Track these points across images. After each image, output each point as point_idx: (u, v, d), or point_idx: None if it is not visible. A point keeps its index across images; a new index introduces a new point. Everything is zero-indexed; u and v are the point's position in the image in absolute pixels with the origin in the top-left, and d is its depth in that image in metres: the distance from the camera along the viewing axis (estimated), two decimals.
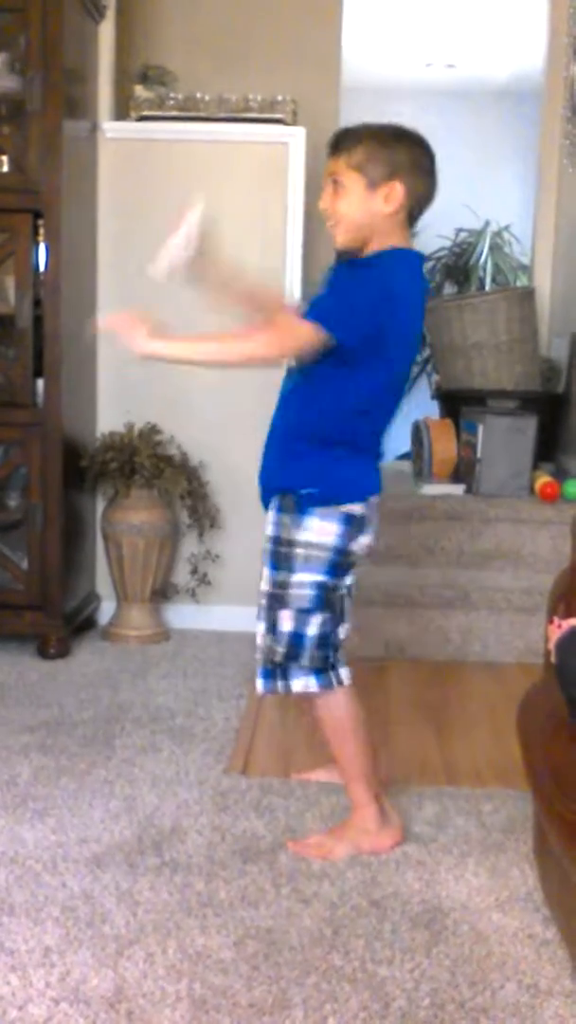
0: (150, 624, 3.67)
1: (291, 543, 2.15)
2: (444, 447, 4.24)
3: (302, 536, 2.14)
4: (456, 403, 4.52)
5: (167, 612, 3.80)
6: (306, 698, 2.25)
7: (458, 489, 4.10)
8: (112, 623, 3.69)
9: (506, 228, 7.70)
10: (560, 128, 5.00)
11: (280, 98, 3.71)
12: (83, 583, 3.70)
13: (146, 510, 3.59)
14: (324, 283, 2.20)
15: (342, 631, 2.23)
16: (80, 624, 3.64)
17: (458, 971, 1.81)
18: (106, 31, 3.72)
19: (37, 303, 3.33)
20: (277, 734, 2.91)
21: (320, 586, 2.16)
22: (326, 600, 2.17)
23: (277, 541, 2.17)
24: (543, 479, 4.06)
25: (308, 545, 2.14)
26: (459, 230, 7.76)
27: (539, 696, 2.09)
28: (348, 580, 2.23)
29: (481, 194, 7.77)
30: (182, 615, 3.81)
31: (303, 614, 2.16)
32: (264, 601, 2.19)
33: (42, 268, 3.32)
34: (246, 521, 3.78)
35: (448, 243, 7.80)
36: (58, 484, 3.37)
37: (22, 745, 2.71)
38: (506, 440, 4.08)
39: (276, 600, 2.17)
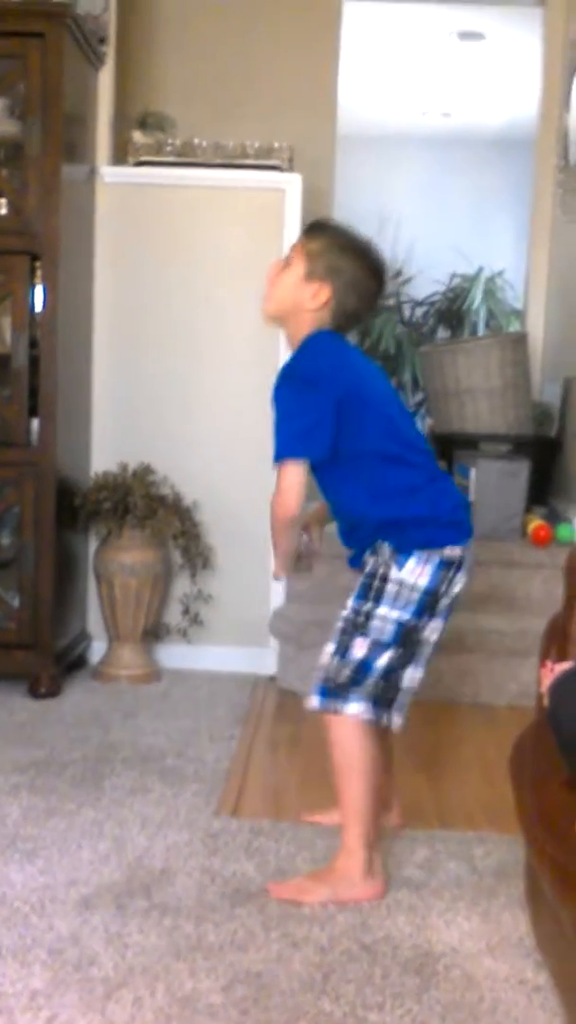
0: (141, 664, 3.66)
1: (384, 578, 2.20)
2: None
3: (396, 574, 2.19)
4: (449, 446, 4.54)
5: (159, 652, 3.79)
6: (331, 724, 2.23)
7: None
8: (103, 662, 3.68)
9: (499, 274, 7.78)
10: (552, 177, 5.06)
11: (277, 145, 3.76)
12: (74, 622, 3.70)
13: (139, 550, 3.59)
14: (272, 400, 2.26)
15: (410, 674, 2.23)
16: (71, 663, 3.63)
17: (449, 1017, 1.79)
18: (105, 77, 3.77)
19: (33, 344, 3.35)
20: (268, 776, 2.89)
21: (402, 624, 2.19)
22: (404, 638, 2.20)
23: (371, 576, 2.22)
24: (536, 522, 4.07)
25: (400, 583, 2.19)
26: (453, 275, 7.84)
27: (531, 739, 2.09)
28: (435, 624, 2.23)
29: (475, 240, 7.87)
30: (173, 655, 3.80)
31: (378, 646, 2.19)
32: (340, 624, 2.22)
33: (39, 309, 3.34)
34: (239, 562, 3.79)
35: (442, 288, 7.88)
36: (51, 523, 3.37)
37: (11, 785, 2.69)
38: (499, 483, 4.10)
39: (354, 627, 2.20)
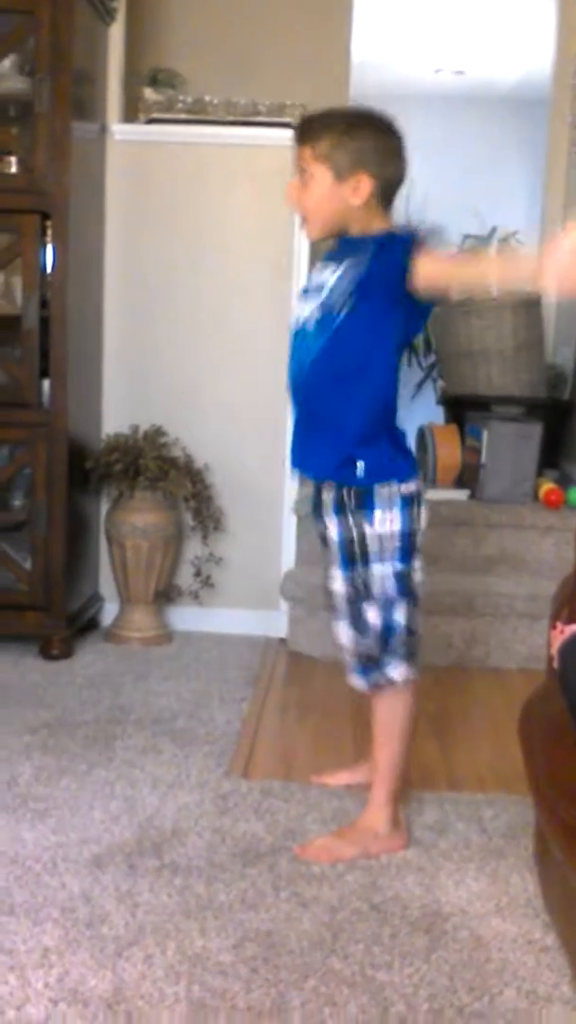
0: (153, 626, 3.67)
1: (362, 539, 2.16)
2: (449, 452, 4.24)
3: (371, 530, 2.16)
4: (461, 409, 4.51)
5: (170, 614, 3.80)
6: (386, 695, 2.23)
7: (462, 495, 4.10)
8: (115, 624, 3.69)
9: (513, 234, 7.70)
10: (567, 135, 5.00)
11: (289, 102, 3.71)
12: (86, 584, 3.70)
13: (150, 512, 3.59)
14: (346, 261, 2.13)
15: (418, 618, 2.24)
16: (83, 625, 3.64)
17: (457, 976, 1.80)
18: (116, 33, 3.72)
19: (44, 304, 3.33)
20: (278, 737, 2.91)
21: (399, 575, 2.18)
22: (407, 587, 2.19)
23: (346, 542, 2.18)
24: (547, 486, 4.06)
25: (379, 537, 2.16)
26: (466, 236, 7.76)
27: (541, 702, 2.09)
28: (419, 562, 2.22)
29: (488, 200, 7.77)
30: (185, 617, 3.81)
31: (388, 604, 2.18)
32: (343, 601, 2.20)
33: (49, 269, 3.32)
34: (250, 524, 3.79)
35: (455, 248, 7.81)
36: (63, 485, 3.37)
37: (24, 745, 2.71)
38: (511, 446, 4.08)
39: (357, 596, 2.18)
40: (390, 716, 2.25)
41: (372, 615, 2.19)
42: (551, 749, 1.88)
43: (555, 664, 1.94)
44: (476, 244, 7.69)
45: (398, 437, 2.20)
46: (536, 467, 4.12)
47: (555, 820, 1.74)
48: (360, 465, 2.14)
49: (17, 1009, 1.67)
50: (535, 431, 4.11)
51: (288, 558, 3.80)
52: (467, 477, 4.19)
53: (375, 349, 2.12)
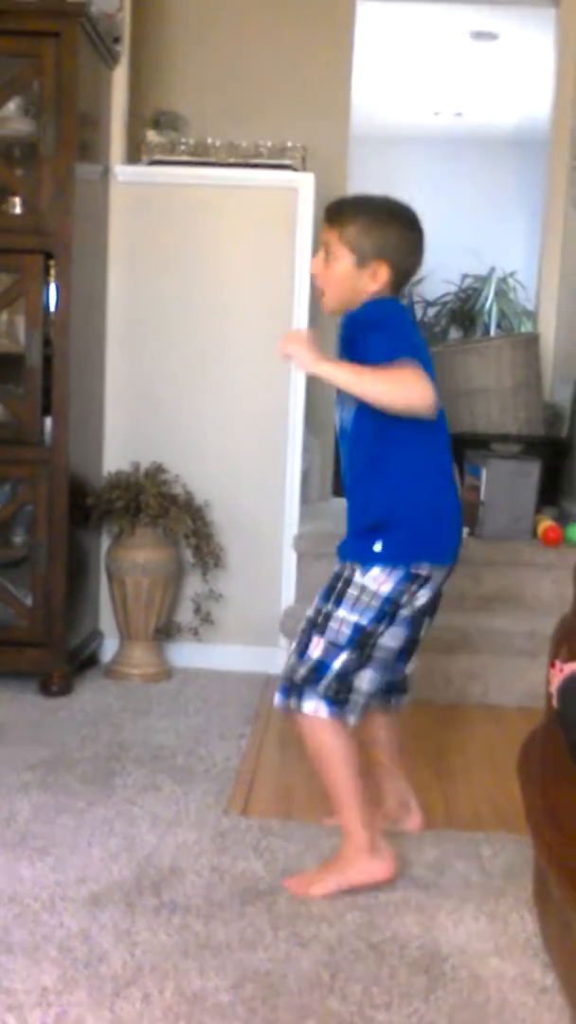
0: (153, 662, 3.67)
1: (348, 582, 2.21)
2: None
3: (359, 579, 2.20)
4: (460, 447, 4.52)
5: (170, 650, 3.80)
6: (298, 720, 2.26)
7: None
8: (115, 661, 3.69)
9: (511, 274, 7.78)
10: (566, 176, 5.06)
11: (290, 144, 3.76)
12: (86, 620, 3.71)
13: (151, 548, 3.60)
14: (342, 348, 2.24)
15: (368, 676, 2.24)
16: (83, 661, 3.64)
17: (456, 1017, 1.80)
18: (119, 76, 3.78)
19: (47, 343, 3.36)
20: (278, 775, 2.90)
21: (358, 628, 2.20)
22: (358, 642, 2.21)
23: (336, 577, 2.23)
24: (546, 523, 4.07)
25: (362, 588, 2.20)
26: (465, 276, 7.84)
27: (540, 740, 2.09)
28: (395, 631, 2.24)
29: (487, 240, 7.86)
30: (185, 654, 3.81)
31: (333, 648, 2.20)
32: (303, 624, 2.25)
33: (52, 308, 3.35)
34: (249, 561, 3.80)
35: (454, 288, 7.87)
36: (64, 522, 3.39)
37: (22, 782, 2.71)
38: (509, 484, 4.10)
39: (314, 626, 2.22)
40: (316, 752, 2.25)
41: (314, 648, 2.21)
42: (550, 788, 1.88)
43: (554, 702, 1.95)
44: (474, 283, 7.77)
45: (434, 514, 2.25)
46: (535, 504, 4.13)
47: (554, 859, 1.74)
48: (378, 546, 2.20)
49: None
50: (533, 469, 4.13)
51: (288, 595, 3.81)
52: (466, 515, 4.20)
53: (386, 430, 2.19)
